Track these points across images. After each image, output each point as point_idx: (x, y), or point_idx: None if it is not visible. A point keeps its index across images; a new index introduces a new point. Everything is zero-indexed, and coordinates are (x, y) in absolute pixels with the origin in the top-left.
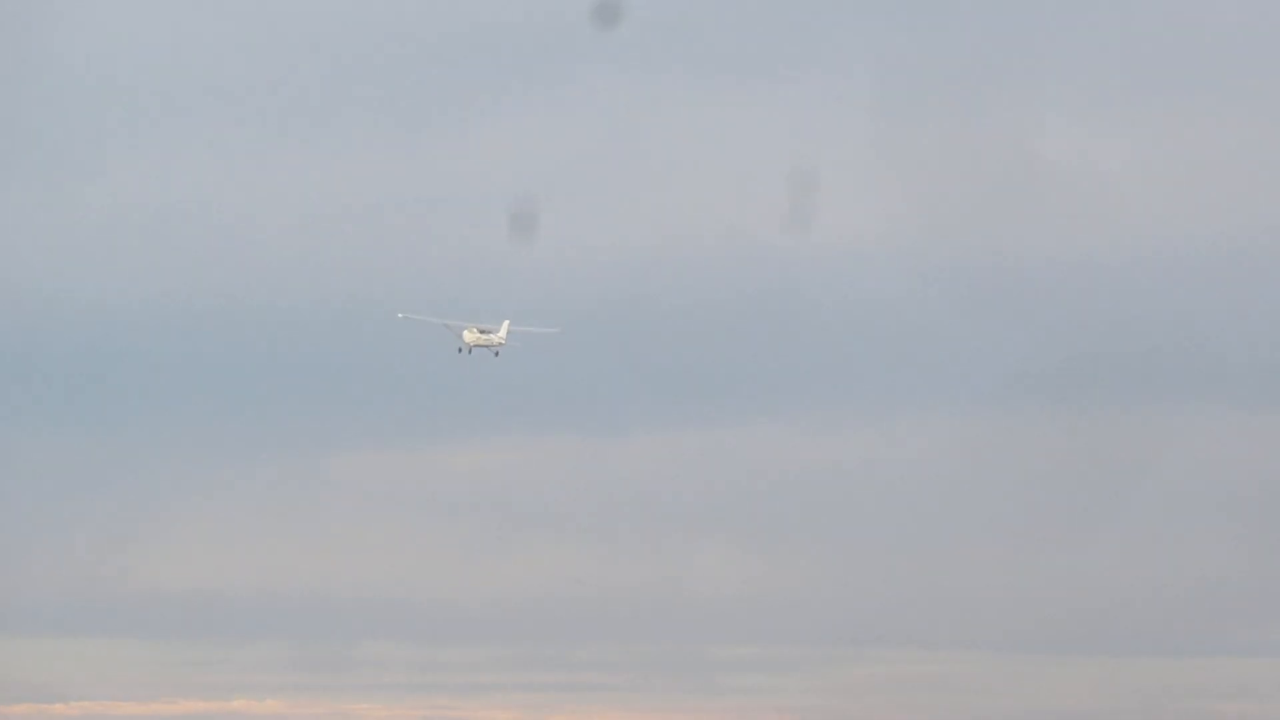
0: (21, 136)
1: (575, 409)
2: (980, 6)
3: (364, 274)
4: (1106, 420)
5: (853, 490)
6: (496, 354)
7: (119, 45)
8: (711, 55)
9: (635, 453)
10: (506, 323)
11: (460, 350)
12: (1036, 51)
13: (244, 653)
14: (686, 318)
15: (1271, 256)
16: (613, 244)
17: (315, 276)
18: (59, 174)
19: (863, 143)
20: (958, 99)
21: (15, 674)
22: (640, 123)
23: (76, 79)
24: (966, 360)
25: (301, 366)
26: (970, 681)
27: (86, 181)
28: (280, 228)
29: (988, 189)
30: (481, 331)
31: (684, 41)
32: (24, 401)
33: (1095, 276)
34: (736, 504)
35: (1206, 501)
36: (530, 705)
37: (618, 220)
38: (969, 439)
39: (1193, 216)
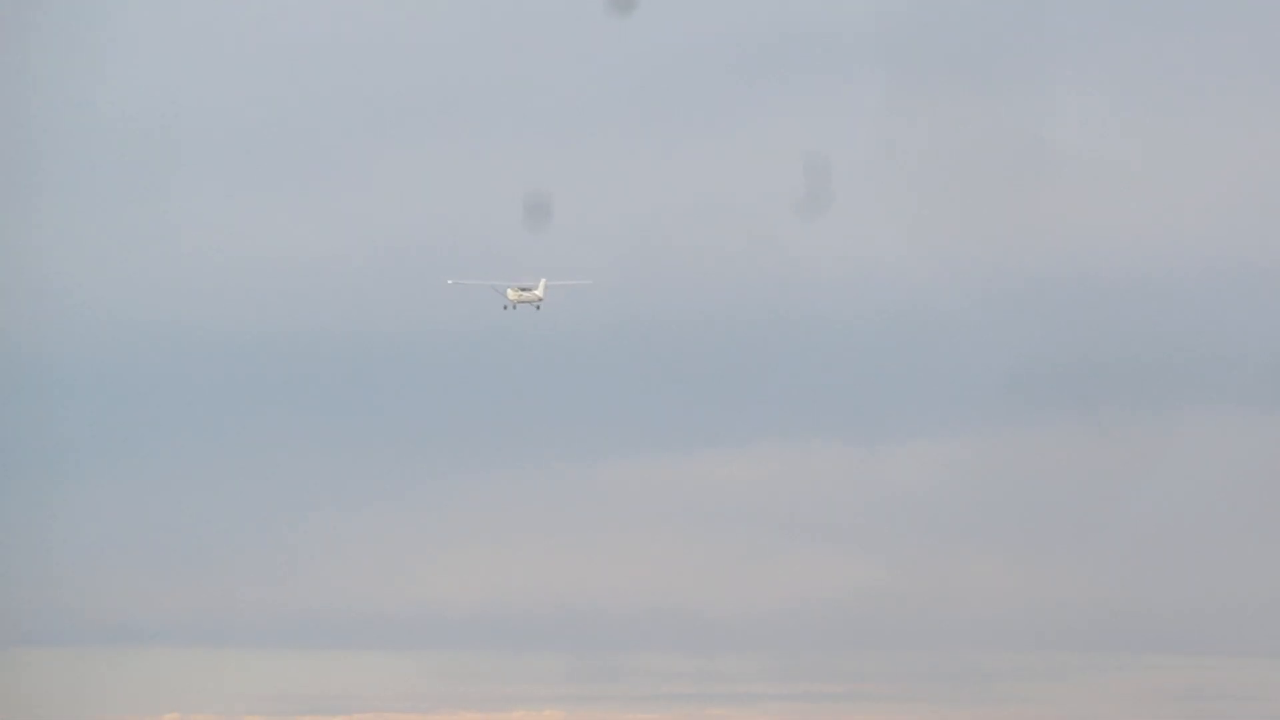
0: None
1: (840, 416)
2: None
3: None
4: None
5: (1126, 495)
6: (538, 308)
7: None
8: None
9: (903, 459)
10: (544, 280)
11: (505, 308)
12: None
13: (522, 664)
14: (962, 328)
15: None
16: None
17: None
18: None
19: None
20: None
21: (299, 687)
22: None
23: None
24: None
25: (572, 378)
26: (1243, 689)
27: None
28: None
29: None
30: (523, 289)
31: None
32: (295, 420)
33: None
34: (1005, 510)
35: None
36: (805, 714)
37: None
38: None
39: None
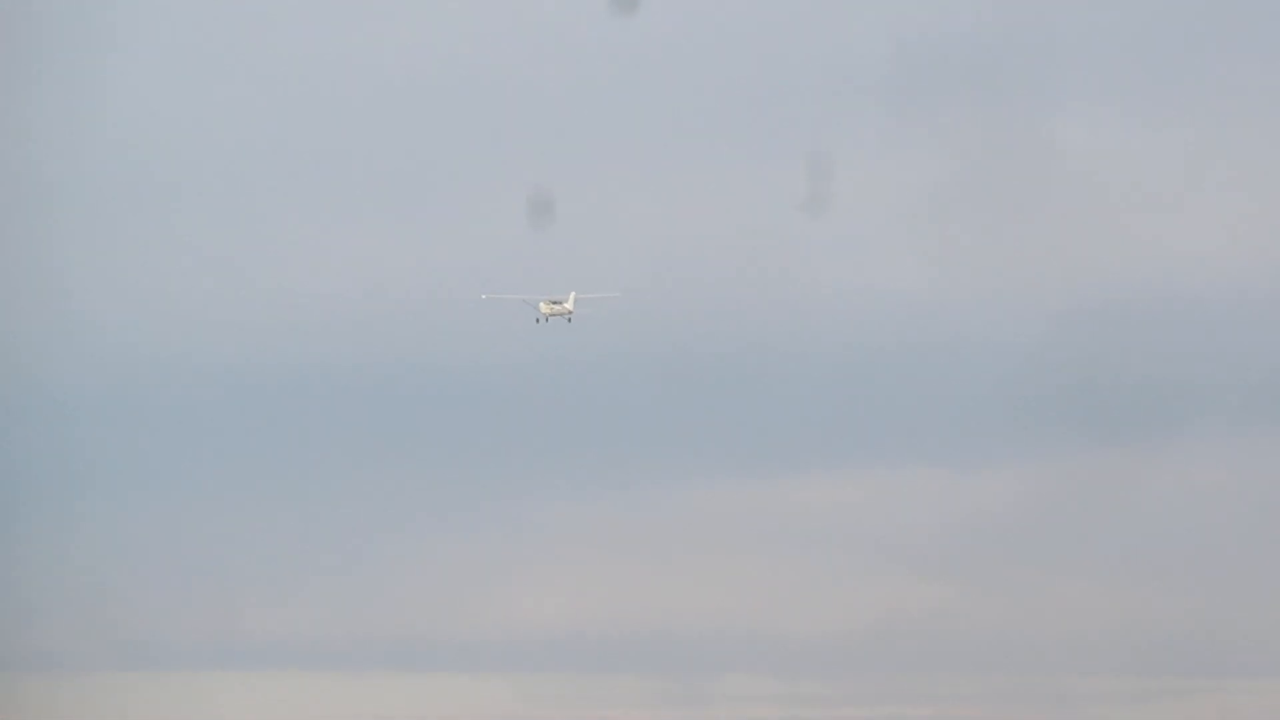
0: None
1: (927, 440)
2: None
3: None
4: None
5: (1212, 519)
6: (569, 320)
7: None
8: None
9: (987, 482)
10: (573, 293)
11: (537, 320)
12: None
13: (607, 687)
14: (1041, 353)
15: None
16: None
17: None
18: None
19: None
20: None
21: (384, 709)
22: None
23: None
24: None
25: (657, 401)
26: None
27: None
28: None
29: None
30: (554, 303)
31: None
32: (371, 442)
33: None
34: (1090, 533)
35: None
36: None
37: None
38: None
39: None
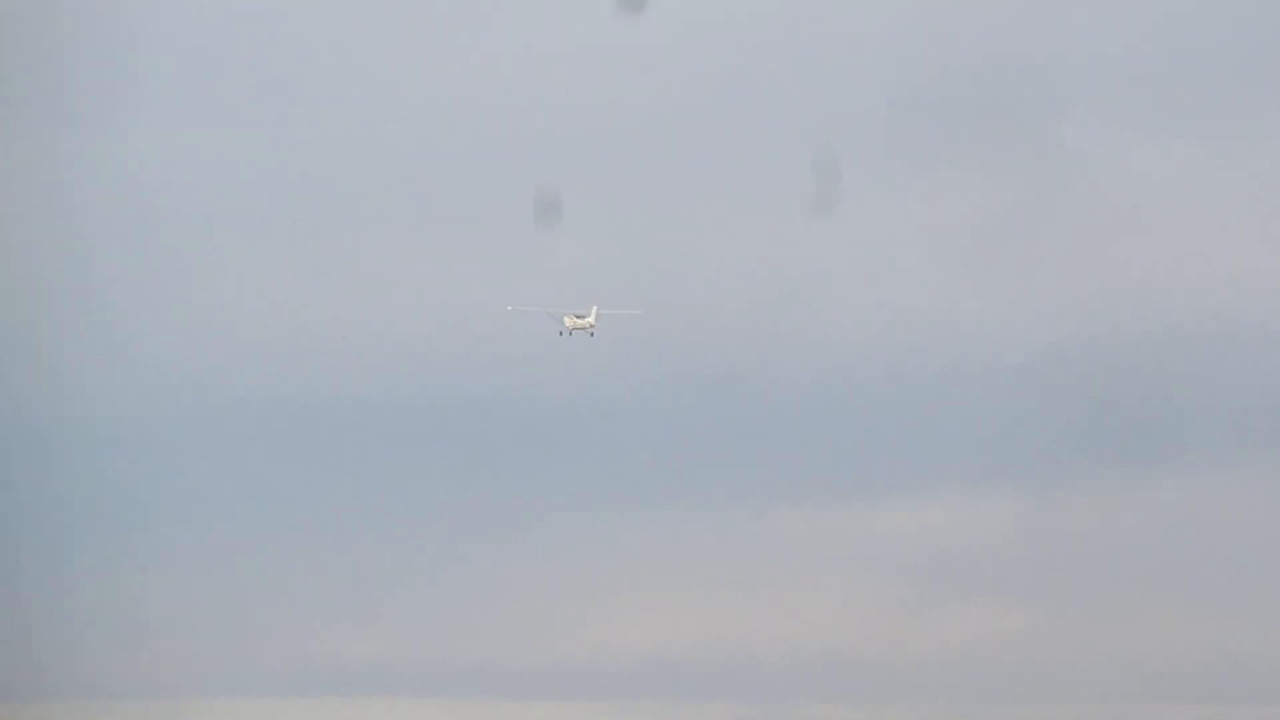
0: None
1: (1014, 466)
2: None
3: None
4: None
5: None
6: (591, 334)
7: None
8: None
9: (1077, 511)
10: (595, 307)
11: (560, 333)
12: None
13: (689, 714)
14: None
15: None
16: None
17: None
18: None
19: None
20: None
21: None
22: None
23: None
24: None
25: (738, 427)
26: None
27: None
28: None
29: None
30: (578, 317)
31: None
32: (451, 466)
33: None
34: (1180, 560)
35: None
36: None
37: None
38: None
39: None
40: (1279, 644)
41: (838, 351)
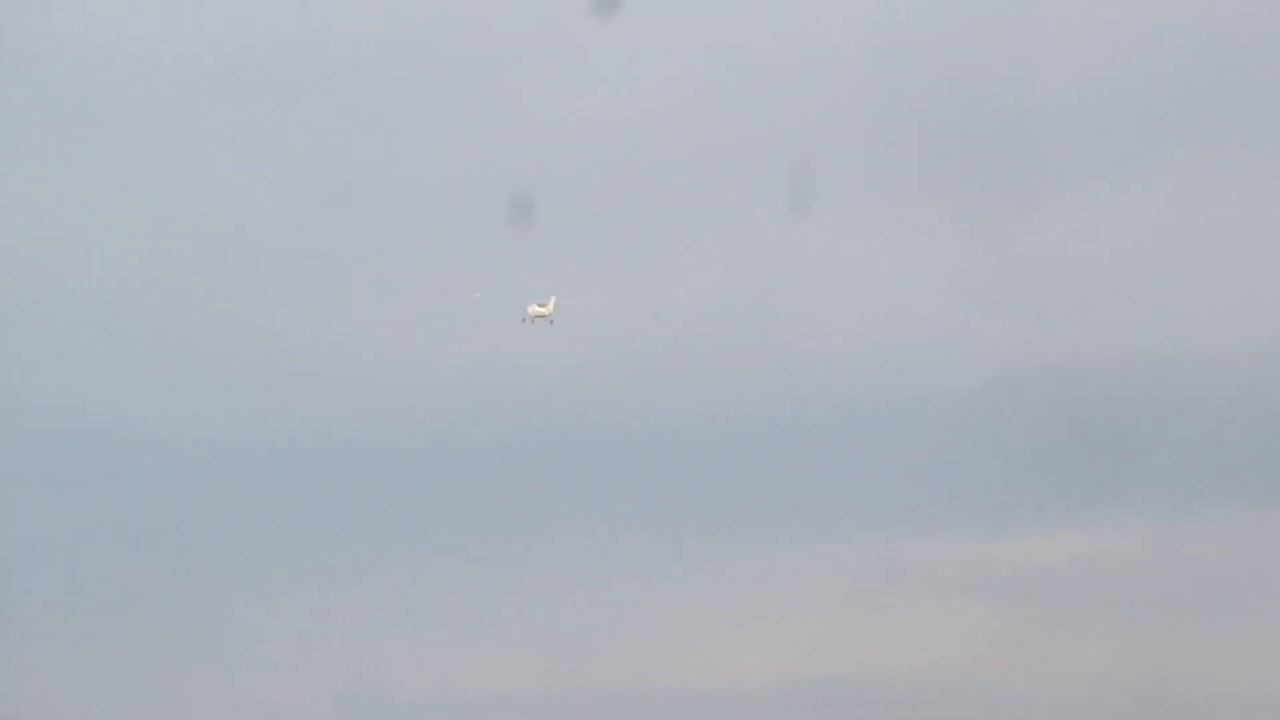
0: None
1: (1141, 496)
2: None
3: None
4: None
5: None
6: (551, 323)
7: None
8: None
9: (1209, 539)
10: (554, 298)
11: (523, 321)
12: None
13: None
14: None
15: None
16: None
17: None
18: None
19: None
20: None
21: None
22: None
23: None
24: None
25: (875, 455)
26: None
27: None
28: None
29: None
30: (539, 305)
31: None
32: (575, 494)
33: None
34: None
35: None
36: None
37: None
38: None
39: None
40: None
41: (968, 382)
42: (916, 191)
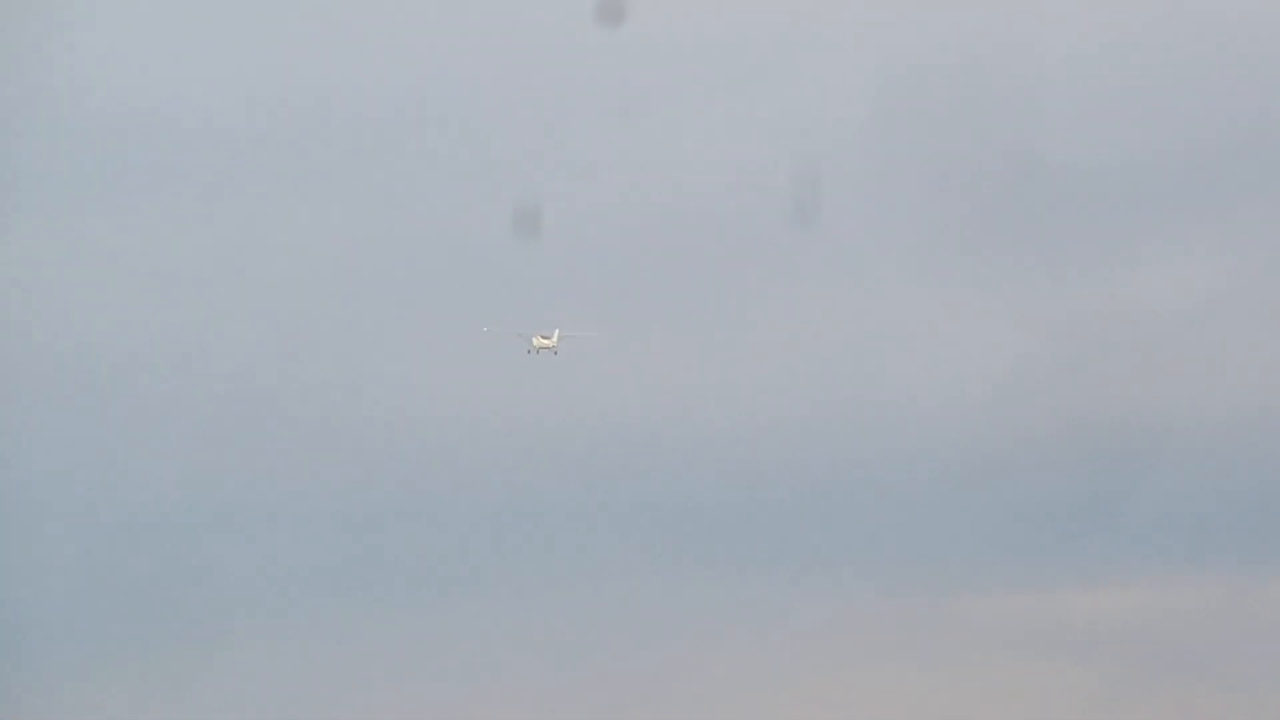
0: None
1: (1216, 551)
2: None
3: None
4: None
5: None
6: (555, 354)
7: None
8: None
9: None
10: (558, 330)
11: (529, 352)
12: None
13: None
14: None
15: None
16: None
17: None
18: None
19: None
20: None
21: None
22: None
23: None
24: None
25: (939, 510)
26: None
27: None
28: None
29: None
30: (544, 338)
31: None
32: (646, 540)
33: None
34: None
35: None
36: None
37: None
38: None
39: None
40: None
41: (1019, 434)
42: (979, 250)
